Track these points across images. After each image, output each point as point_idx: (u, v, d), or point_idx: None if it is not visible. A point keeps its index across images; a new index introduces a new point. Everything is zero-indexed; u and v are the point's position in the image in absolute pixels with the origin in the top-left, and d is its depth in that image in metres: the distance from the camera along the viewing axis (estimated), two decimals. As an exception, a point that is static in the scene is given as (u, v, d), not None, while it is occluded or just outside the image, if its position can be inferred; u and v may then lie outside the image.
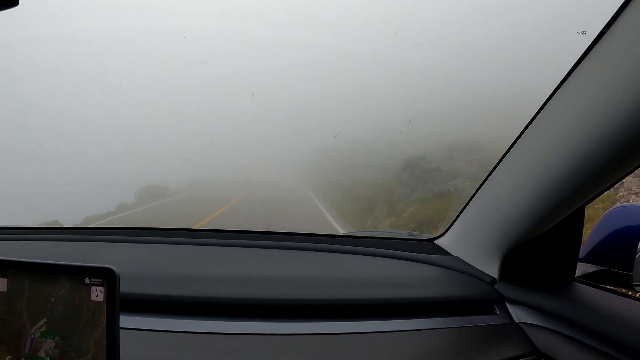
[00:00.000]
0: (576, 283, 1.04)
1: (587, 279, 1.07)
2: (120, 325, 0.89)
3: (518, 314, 1.03)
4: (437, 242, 1.37)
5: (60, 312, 0.69)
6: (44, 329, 0.69)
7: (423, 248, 1.33)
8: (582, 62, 0.77)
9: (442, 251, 1.31)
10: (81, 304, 0.68)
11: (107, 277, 0.68)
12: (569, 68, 0.80)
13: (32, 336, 0.70)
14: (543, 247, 1.05)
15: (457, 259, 1.23)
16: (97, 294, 0.68)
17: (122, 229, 1.51)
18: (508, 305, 1.06)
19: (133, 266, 1.20)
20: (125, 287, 1.01)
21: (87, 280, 0.68)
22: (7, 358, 0.70)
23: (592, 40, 0.73)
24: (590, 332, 0.86)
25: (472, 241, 1.20)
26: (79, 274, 0.69)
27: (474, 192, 1.17)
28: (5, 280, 0.71)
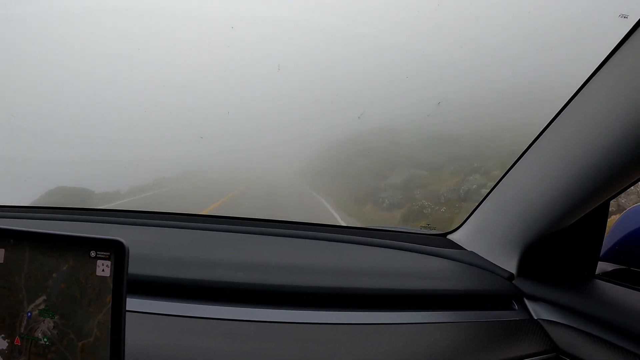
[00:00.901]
0: (596, 280, 1.02)
1: (606, 277, 1.04)
2: (128, 308, 0.84)
3: (537, 310, 1.00)
4: (450, 237, 1.34)
5: (62, 289, 0.62)
6: (42, 306, 0.63)
7: (436, 242, 1.30)
8: (613, 55, 0.75)
9: (455, 246, 1.27)
10: (85, 282, 0.62)
11: (115, 250, 0.62)
12: (597, 63, 0.78)
13: (29, 314, 0.63)
14: (563, 242, 1.02)
15: (472, 253, 1.20)
16: (104, 268, 0.62)
17: (130, 211, 1.46)
18: (526, 301, 1.03)
19: (141, 247, 1.15)
20: (132, 268, 0.97)
21: (92, 253, 0.62)
22: (0, 337, 0.64)
23: (626, 33, 0.72)
24: (611, 328, 0.84)
25: (488, 236, 1.17)
26: (84, 246, 0.63)
27: (490, 188, 1.15)
28: (2, 251, 0.65)
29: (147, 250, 1.12)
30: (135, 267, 0.98)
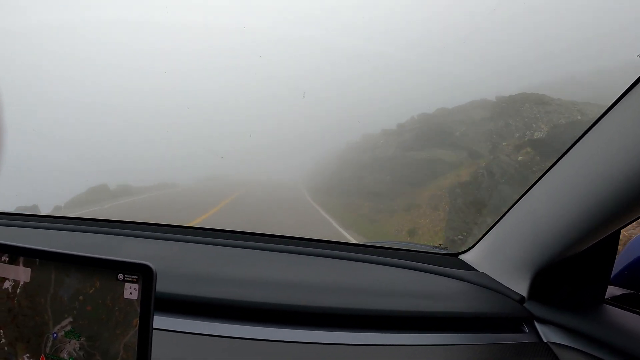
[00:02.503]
0: (606, 305, 1.03)
1: (615, 301, 1.05)
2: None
3: (547, 333, 1.01)
4: (461, 257, 1.34)
5: (89, 311, 0.63)
6: (68, 328, 0.63)
7: (447, 262, 1.30)
8: (637, 85, 0.75)
9: (467, 266, 1.28)
10: (112, 305, 0.62)
11: (143, 273, 0.62)
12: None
13: (55, 335, 0.63)
14: (575, 266, 1.03)
15: (484, 274, 1.20)
16: (131, 291, 0.62)
17: (147, 224, 1.44)
18: (537, 324, 1.04)
19: (163, 263, 1.14)
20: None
21: (120, 276, 0.63)
22: (25, 356, 0.64)
23: None
24: (620, 353, 0.85)
25: (501, 258, 1.17)
26: (112, 269, 0.63)
27: (504, 210, 1.15)
28: (28, 270, 0.65)
29: (168, 266, 1.11)
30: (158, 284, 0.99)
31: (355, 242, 1.42)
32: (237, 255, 1.29)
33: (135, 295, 0.62)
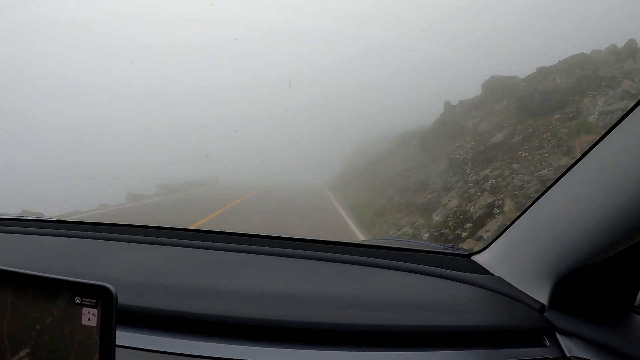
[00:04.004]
0: (636, 314, 0.92)
1: None
2: (120, 343, 0.78)
3: (570, 347, 0.90)
4: (474, 258, 1.24)
5: (47, 343, 0.57)
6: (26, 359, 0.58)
7: (459, 264, 1.20)
8: None
9: (481, 269, 1.17)
10: (71, 337, 0.56)
11: (102, 297, 0.56)
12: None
13: (11, 365, 0.58)
14: (601, 272, 0.92)
15: (499, 279, 1.10)
16: (90, 317, 0.56)
17: (132, 226, 1.40)
18: (559, 337, 0.93)
19: (140, 272, 1.10)
20: (128, 298, 0.90)
21: (78, 300, 0.57)
22: (-21, 389, 0.59)
23: None
24: None
25: (518, 261, 1.07)
26: (69, 291, 0.57)
27: (524, 207, 1.04)
28: (-17, 293, 0.60)
29: (145, 276, 1.06)
30: (130, 297, 0.93)
31: (358, 241, 1.31)
32: (230, 261, 1.22)
33: (94, 322, 0.56)
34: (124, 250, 1.28)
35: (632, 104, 0.74)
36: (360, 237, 8.21)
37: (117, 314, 0.56)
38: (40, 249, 1.25)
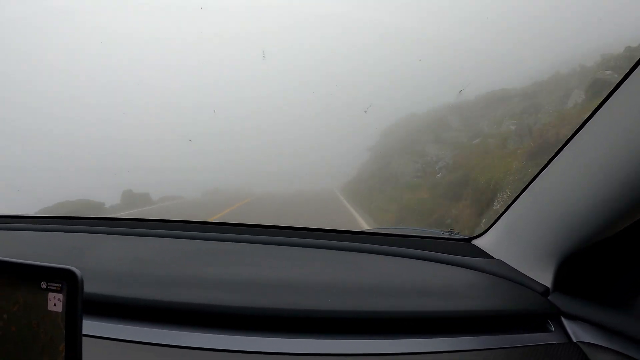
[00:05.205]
0: None
1: None
2: (100, 334, 0.75)
3: (576, 332, 0.86)
4: (475, 242, 1.19)
5: (14, 333, 0.55)
6: (-6, 350, 0.55)
7: (459, 249, 1.16)
8: None
9: (481, 253, 1.13)
10: (38, 326, 0.54)
11: (67, 280, 0.53)
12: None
13: (-21, 356, 0.56)
14: (607, 252, 0.87)
15: (501, 262, 1.06)
16: (55, 302, 0.53)
17: (119, 219, 1.38)
18: (564, 321, 0.88)
19: (124, 263, 1.07)
20: (113, 288, 0.88)
21: (43, 285, 0.54)
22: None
23: None
24: None
25: (520, 243, 1.02)
26: (35, 275, 0.55)
27: (523, 186, 0.99)
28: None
29: (132, 267, 1.04)
30: (117, 287, 0.91)
31: (354, 229, 1.27)
32: (222, 250, 1.19)
33: (59, 307, 0.53)
34: (108, 242, 1.26)
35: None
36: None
37: (83, 298, 0.53)
38: (23, 244, 1.24)
